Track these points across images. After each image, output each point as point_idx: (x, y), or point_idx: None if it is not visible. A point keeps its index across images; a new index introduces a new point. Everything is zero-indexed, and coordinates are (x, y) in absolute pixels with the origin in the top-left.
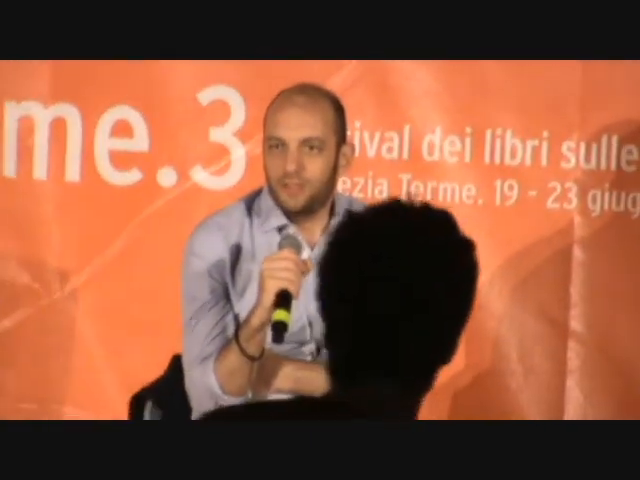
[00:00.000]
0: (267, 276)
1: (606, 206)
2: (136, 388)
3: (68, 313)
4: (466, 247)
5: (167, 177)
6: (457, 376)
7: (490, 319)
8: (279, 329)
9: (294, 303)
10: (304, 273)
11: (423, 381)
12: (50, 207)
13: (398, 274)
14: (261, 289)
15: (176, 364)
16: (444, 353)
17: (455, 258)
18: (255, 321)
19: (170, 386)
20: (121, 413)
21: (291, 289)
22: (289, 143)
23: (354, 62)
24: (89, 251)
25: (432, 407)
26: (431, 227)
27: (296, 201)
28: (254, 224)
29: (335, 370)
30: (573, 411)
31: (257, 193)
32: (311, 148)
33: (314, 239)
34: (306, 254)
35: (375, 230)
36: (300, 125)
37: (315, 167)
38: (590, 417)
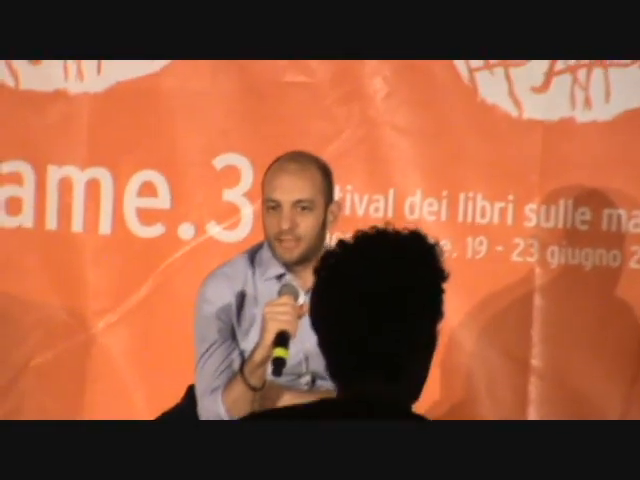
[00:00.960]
0: (269, 319)
1: (562, 260)
2: (159, 410)
3: (101, 346)
4: (434, 262)
5: (186, 231)
6: (434, 405)
7: (462, 356)
8: (278, 364)
9: (292, 342)
10: (300, 316)
11: (415, 371)
12: (86, 256)
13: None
14: (263, 330)
15: (191, 393)
16: (426, 349)
17: (428, 270)
18: (258, 357)
19: (185, 412)
20: None
21: (289, 330)
22: (283, 204)
23: (347, 133)
24: (119, 294)
25: None
26: (403, 249)
27: (291, 254)
28: (256, 273)
29: (334, 374)
30: None
31: (259, 246)
32: (302, 208)
33: (308, 285)
34: (302, 299)
35: (361, 255)
36: (292, 189)
37: (306, 224)
38: None
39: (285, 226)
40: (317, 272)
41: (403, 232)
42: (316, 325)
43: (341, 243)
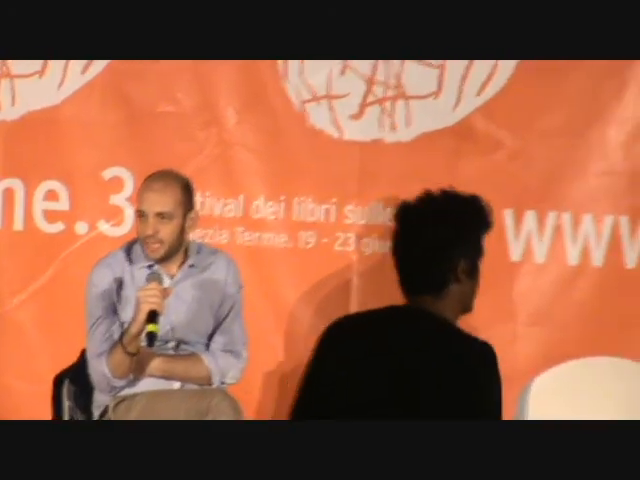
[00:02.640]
0: (141, 302)
1: (373, 249)
2: (59, 368)
3: (14, 319)
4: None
5: (81, 228)
6: (280, 365)
7: (298, 326)
8: (151, 338)
9: (161, 318)
10: (166, 297)
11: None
12: (2, 247)
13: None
14: (137, 310)
15: (84, 356)
16: (470, 278)
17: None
18: (133, 331)
19: (80, 370)
20: (49, 384)
21: (158, 309)
22: (148, 215)
23: (206, 151)
24: (29, 277)
25: None
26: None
27: (155, 254)
28: (132, 263)
29: (403, 290)
30: None
31: (134, 242)
32: (163, 218)
33: (172, 272)
34: (167, 283)
35: (431, 209)
36: (156, 203)
37: (166, 231)
38: None
39: (149, 232)
40: (396, 218)
41: (463, 194)
42: (394, 255)
43: (418, 198)
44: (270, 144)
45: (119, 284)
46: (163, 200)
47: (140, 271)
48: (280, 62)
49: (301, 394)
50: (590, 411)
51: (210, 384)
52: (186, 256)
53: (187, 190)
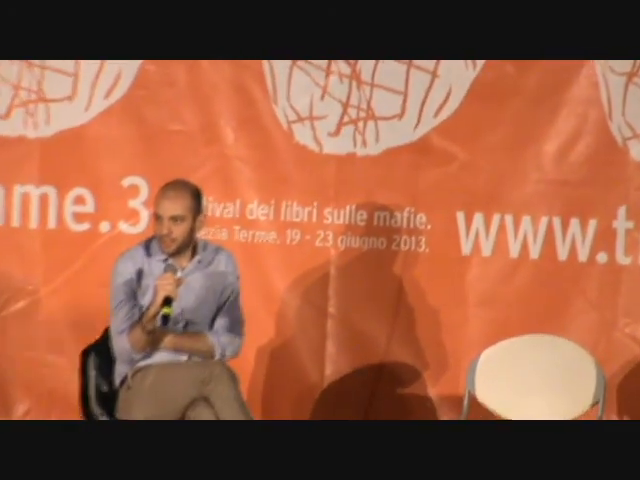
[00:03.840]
0: (159, 289)
1: (348, 244)
2: (87, 343)
3: (48, 304)
4: None
5: (104, 227)
6: (270, 340)
7: (288, 309)
8: (165, 319)
9: (174, 303)
10: (179, 285)
11: None
12: (38, 242)
13: None
14: (155, 295)
15: (107, 332)
16: None
17: None
18: (151, 312)
19: (104, 345)
20: (76, 357)
21: (172, 295)
22: (163, 218)
23: (209, 164)
24: (61, 267)
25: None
26: None
27: (169, 249)
28: (150, 257)
29: None
30: (329, 358)
31: (152, 238)
32: (175, 220)
33: (183, 265)
34: (179, 274)
35: None
36: (169, 208)
37: (178, 231)
38: (341, 361)
39: (164, 232)
40: None
41: None
42: None
43: None
44: (262, 157)
45: (139, 274)
46: (175, 206)
47: (157, 263)
48: (270, 88)
49: None
50: (528, 380)
51: (213, 357)
52: (195, 252)
53: (197, 197)
